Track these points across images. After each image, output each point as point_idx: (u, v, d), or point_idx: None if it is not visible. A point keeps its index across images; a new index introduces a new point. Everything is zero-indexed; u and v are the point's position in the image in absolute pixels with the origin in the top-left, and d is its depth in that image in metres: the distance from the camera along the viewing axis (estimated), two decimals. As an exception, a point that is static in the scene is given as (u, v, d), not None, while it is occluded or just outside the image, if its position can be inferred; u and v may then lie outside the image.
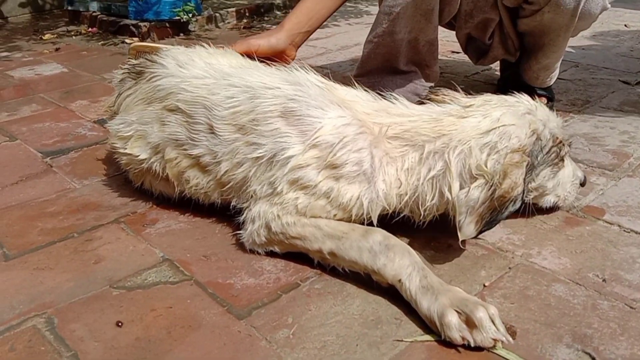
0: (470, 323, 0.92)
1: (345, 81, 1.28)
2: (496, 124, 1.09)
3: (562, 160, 1.19)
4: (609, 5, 1.68)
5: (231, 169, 1.18)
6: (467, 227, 1.06)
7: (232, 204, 1.22)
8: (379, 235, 1.07)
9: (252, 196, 1.16)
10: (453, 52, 2.64)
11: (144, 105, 1.32)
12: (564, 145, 1.18)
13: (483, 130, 1.09)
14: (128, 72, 1.44)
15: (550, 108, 1.83)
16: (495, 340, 0.91)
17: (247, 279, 1.11)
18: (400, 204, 1.13)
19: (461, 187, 1.06)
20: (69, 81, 2.44)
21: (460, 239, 1.07)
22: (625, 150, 1.58)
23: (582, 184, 1.29)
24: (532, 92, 1.88)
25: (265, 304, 1.04)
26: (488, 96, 1.18)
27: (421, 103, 1.24)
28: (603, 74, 2.24)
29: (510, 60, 1.96)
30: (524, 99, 1.17)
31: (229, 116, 1.19)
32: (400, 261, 1.02)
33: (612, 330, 0.95)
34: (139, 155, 1.31)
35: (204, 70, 1.28)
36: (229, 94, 1.21)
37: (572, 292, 1.05)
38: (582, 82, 2.16)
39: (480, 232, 1.06)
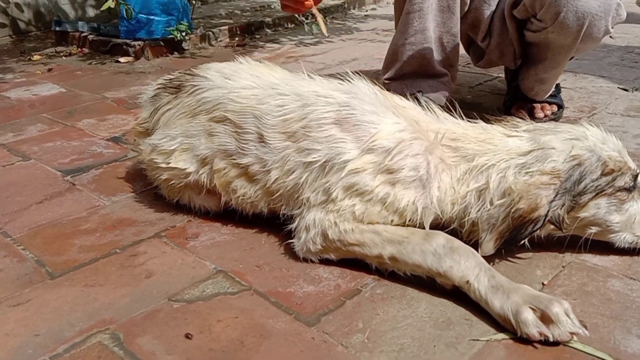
0: (545, 319, 0.94)
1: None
2: (536, 146, 1.10)
3: (629, 192, 1.12)
4: (612, 30, 1.71)
5: (281, 177, 1.18)
6: (486, 244, 1.07)
7: (281, 212, 1.22)
8: (442, 237, 1.07)
9: (304, 204, 1.16)
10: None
11: (188, 118, 1.31)
12: (621, 175, 1.11)
13: (523, 151, 1.11)
14: (164, 87, 1.42)
15: (559, 116, 1.90)
16: (572, 334, 0.93)
17: (307, 286, 1.11)
18: (452, 212, 1.14)
19: None
20: (70, 101, 2.40)
21: (480, 255, 1.07)
22: (644, 153, 1.64)
23: None
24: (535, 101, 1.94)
25: (332, 310, 1.04)
26: (545, 124, 1.19)
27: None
28: (601, 82, 2.32)
29: (508, 66, 2.01)
30: (579, 126, 1.15)
31: (280, 124, 1.19)
32: (466, 263, 1.03)
33: (677, 321, 0.98)
34: (185, 169, 1.30)
35: (251, 81, 1.29)
36: (279, 102, 1.22)
37: (628, 286, 1.08)
38: (584, 90, 2.23)
39: (500, 249, 1.08)
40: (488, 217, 1.07)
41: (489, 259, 1.14)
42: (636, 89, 2.20)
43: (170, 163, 1.31)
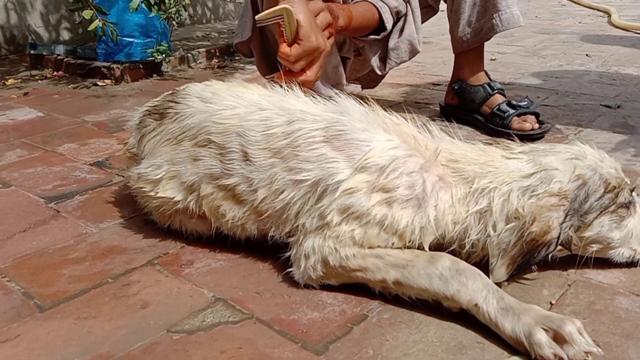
0: (559, 339, 0.92)
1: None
2: (539, 168, 1.09)
3: (627, 208, 1.12)
4: None
5: (269, 196, 1.14)
6: (498, 270, 1.05)
7: (269, 235, 1.19)
8: (447, 260, 1.05)
9: (300, 230, 1.13)
10: (434, 84, 2.71)
11: (173, 145, 1.28)
12: (621, 191, 1.11)
13: (525, 173, 1.09)
14: (149, 113, 1.38)
15: (547, 130, 1.91)
16: (587, 353, 0.91)
17: (311, 313, 1.07)
18: (453, 232, 1.11)
19: None
20: (49, 125, 2.34)
21: (492, 282, 1.04)
22: (634, 168, 1.65)
23: None
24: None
25: (340, 338, 1.00)
26: (540, 145, 1.19)
27: None
28: (583, 99, 2.35)
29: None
30: (574, 146, 1.15)
31: (264, 139, 1.16)
32: (473, 285, 1.01)
33: (689, 338, 0.97)
34: (173, 197, 1.26)
35: (232, 101, 1.26)
36: (262, 116, 1.19)
37: (636, 303, 1.07)
38: (568, 107, 2.25)
39: (512, 275, 1.06)
40: (498, 242, 1.05)
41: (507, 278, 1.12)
42: (619, 106, 2.23)
43: (158, 193, 1.27)
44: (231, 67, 3.34)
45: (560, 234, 1.04)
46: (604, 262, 1.17)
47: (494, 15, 1.89)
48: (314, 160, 1.11)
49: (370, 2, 1.83)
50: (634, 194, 1.16)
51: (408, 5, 1.94)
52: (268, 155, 1.15)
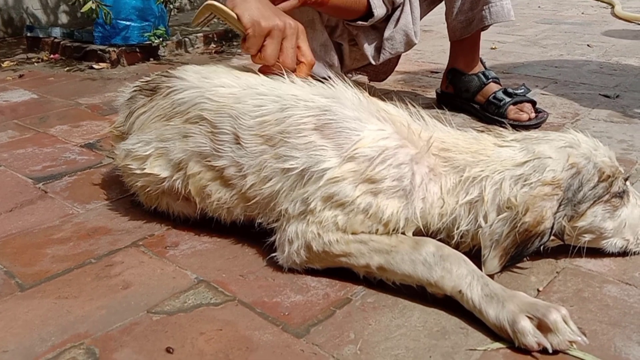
0: (543, 327, 0.90)
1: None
2: (532, 156, 1.06)
3: (620, 197, 1.10)
4: None
5: (257, 183, 1.12)
6: (490, 262, 1.03)
7: (256, 222, 1.17)
8: (431, 245, 1.03)
9: (283, 215, 1.11)
10: (432, 72, 2.68)
11: (163, 122, 1.25)
12: (615, 180, 1.08)
13: (518, 162, 1.06)
14: (140, 89, 1.36)
15: (544, 119, 1.88)
16: (571, 342, 0.89)
17: (294, 296, 1.06)
18: (439, 224, 1.09)
19: None
20: (42, 107, 2.32)
21: (484, 274, 1.02)
22: (629, 157, 1.63)
23: None
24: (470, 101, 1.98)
25: (322, 321, 0.99)
26: (533, 132, 1.16)
27: None
28: (582, 89, 2.32)
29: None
30: (568, 134, 1.12)
31: (257, 126, 1.13)
32: (458, 271, 0.99)
33: (677, 327, 0.95)
34: (159, 175, 1.24)
35: (230, 80, 1.23)
36: (258, 102, 1.16)
37: (625, 292, 1.05)
38: (566, 96, 2.23)
39: (505, 267, 1.04)
40: (490, 233, 1.02)
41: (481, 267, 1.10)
42: (617, 96, 2.20)
43: (145, 169, 1.25)
44: (228, 52, 3.31)
45: (554, 224, 1.02)
46: (595, 251, 1.14)
47: (484, 7, 1.87)
48: (303, 147, 1.08)
49: None
50: (627, 183, 1.13)
51: None
52: (260, 141, 1.12)
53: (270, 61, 1.28)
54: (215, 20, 1.39)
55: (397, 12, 1.92)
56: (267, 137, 1.12)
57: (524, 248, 1.02)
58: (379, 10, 1.82)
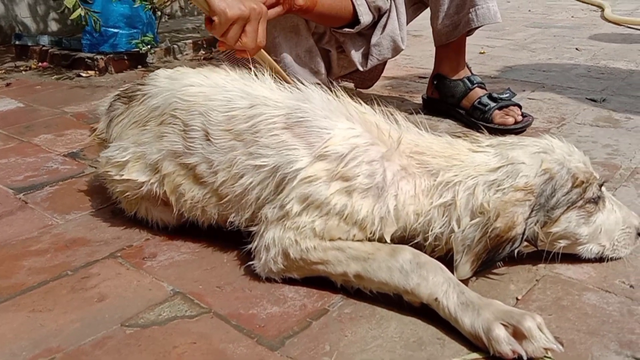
0: (518, 335, 0.89)
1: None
2: (505, 162, 1.06)
3: (595, 203, 1.09)
4: None
5: (229, 180, 1.12)
6: (462, 267, 1.02)
7: (229, 221, 1.16)
8: (408, 253, 1.02)
9: (262, 220, 1.10)
10: (420, 77, 2.68)
11: (139, 128, 1.25)
12: (590, 186, 1.07)
13: (491, 167, 1.06)
14: (118, 97, 1.37)
15: (529, 124, 1.88)
16: (546, 349, 0.88)
17: (271, 307, 1.04)
18: (416, 223, 1.08)
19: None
20: (28, 116, 2.30)
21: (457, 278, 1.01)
22: (613, 162, 1.62)
23: None
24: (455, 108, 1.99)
25: (297, 333, 0.97)
26: (508, 137, 1.15)
27: None
28: (569, 93, 2.32)
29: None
30: (543, 139, 1.11)
31: (225, 121, 1.14)
32: (434, 279, 0.98)
33: (655, 335, 0.94)
34: (137, 179, 1.24)
35: (199, 79, 1.25)
36: (226, 97, 1.17)
37: (604, 299, 1.04)
38: (552, 101, 2.22)
39: (477, 272, 1.03)
40: (462, 238, 1.01)
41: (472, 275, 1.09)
42: (604, 100, 2.20)
43: (123, 175, 1.25)
44: (218, 58, 3.30)
45: (525, 229, 1.01)
46: (574, 257, 1.14)
47: (471, 10, 1.86)
48: (274, 146, 1.09)
49: None
50: (603, 189, 1.13)
51: (392, 1, 1.90)
52: (229, 137, 1.13)
53: (231, 44, 1.36)
54: (199, 23, 1.45)
55: (384, 19, 1.91)
56: (236, 133, 1.12)
57: (496, 253, 1.01)
58: (366, 17, 1.82)
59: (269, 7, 1.52)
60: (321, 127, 1.08)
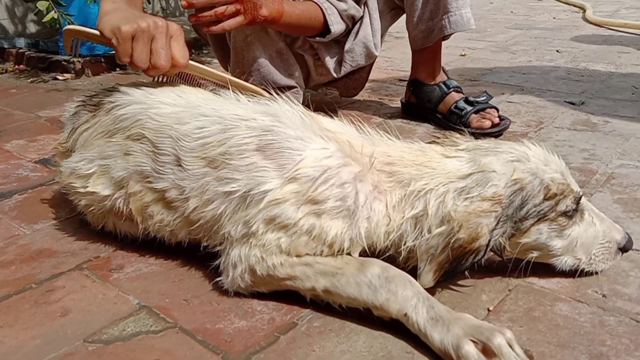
0: (487, 351, 0.88)
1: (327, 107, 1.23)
2: (476, 169, 1.03)
3: (569, 217, 1.07)
4: None
5: (200, 206, 1.09)
6: (425, 276, 1.00)
7: (202, 245, 1.14)
8: (377, 267, 1.00)
9: (227, 238, 1.07)
10: (400, 80, 2.66)
11: (106, 138, 1.22)
12: (563, 199, 1.05)
13: (463, 174, 1.03)
14: (84, 104, 1.32)
15: (506, 127, 1.87)
16: (516, 366, 0.87)
17: (238, 322, 1.02)
18: (387, 241, 1.06)
19: None
20: (1, 121, 2.26)
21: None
22: (590, 167, 1.61)
23: (624, 249, 1.12)
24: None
25: (264, 348, 0.95)
26: (485, 142, 1.12)
27: None
28: (548, 96, 2.32)
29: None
30: (520, 146, 1.08)
31: (198, 148, 1.10)
32: (403, 293, 0.96)
33: (626, 346, 0.93)
34: (101, 193, 1.20)
35: (172, 98, 1.20)
36: (199, 124, 1.12)
37: (576, 310, 1.03)
38: (531, 104, 2.22)
39: (440, 281, 1.02)
40: (427, 247, 1.00)
41: (436, 283, 1.07)
42: (582, 103, 2.20)
43: (87, 187, 1.21)
44: (198, 60, 3.25)
45: (490, 241, 0.99)
46: (549, 266, 1.12)
47: (444, 17, 1.85)
48: (244, 169, 1.05)
49: (315, 2, 1.77)
50: (582, 200, 1.10)
51: (366, 7, 1.88)
52: (202, 164, 1.09)
53: (141, 65, 1.20)
54: (187, 27, 1.38)
55: (357, 25, 1.90)
56: (209, 160, 1.09)
57: (459, 264, 0.99)
58: (337, 26, 1.80)
59: (229, 16, 1.49)
60: (293, 149, 1.05)
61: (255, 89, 1.37)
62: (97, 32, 1.25)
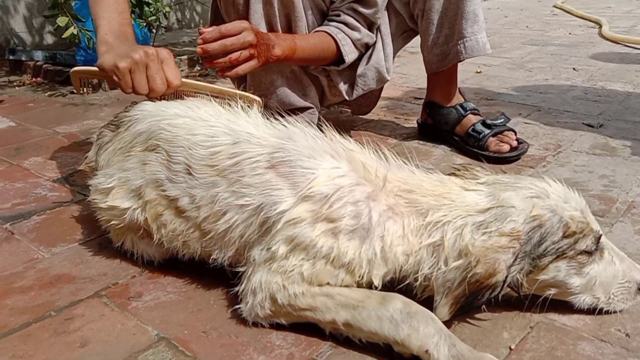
0: (510, 394, 0.87)
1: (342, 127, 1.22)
2: (495, 204, 1.03)
3: (589, 255, 1.06)
4: None
5: (211, 216, 1.10)
6: (440, 309, 1.00)
7: (212, 257, 1.14)
8: (399, 302, 1.00)
9: (251, 262, 1.08)
10: (416, 98, 2.66)
11: (125, 154, 1.25)
12: (583, 237, 1.03)
13: (482, 208, 1.03)
14: (108, 125, 1.37)
15: (524, 151, 1.86)
16: (538, 411, 0.86)
17: (257, 356, 1.02)
18: (407, 264, 1.05)
19: None
20: (19, 136, 2.28)
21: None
22: (610, 195, 1.60)
23: None
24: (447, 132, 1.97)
25: (283, 385, 0.95)
26: (505, 176, 1.12)
27: None
28: (566, 117, 2.30)
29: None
30: (540, 182, 1.08)
31: (208, 157, 1.12)
32: (425, 330, 0.96)
33: (651, 391, 0.92)
34: (120, 206, 1.23)
35: (184, 111, 1.24)
36: (210, 133, 1.16)
37: (599, 350, 1.01)
38: (549, 126, 2.20)
39: (456, 315, 1.01)
40: (443, 280, 0.99)
41: (454, 318, 1.06)
42: (601, 125, 2.18)
43: (107, 202, 1.24)
44: (213, 75, 3.28)
45: (507, 277, 0.98)
46: (568, 302, 1.11)
47: (459, 42, 1.84)
48: (258, 185, 1.07)
49: (328, 33, 1.77)
50: (602, 239, 1.08)
51: (378, 33, 1.88)
52: (211, 173, 1.12)
53: (142, 92, 1.34)
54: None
55: (370, 50, 1.90)
56: (218, 170, 1.11)
57: (475, 299, 0.98)
58: (351, 55, 1.80)
59: (242, 62, 1.51)
60: (305, 167, 1.06)
61: (248, 96, 1.43)
62: (97, 69, 1.38)
